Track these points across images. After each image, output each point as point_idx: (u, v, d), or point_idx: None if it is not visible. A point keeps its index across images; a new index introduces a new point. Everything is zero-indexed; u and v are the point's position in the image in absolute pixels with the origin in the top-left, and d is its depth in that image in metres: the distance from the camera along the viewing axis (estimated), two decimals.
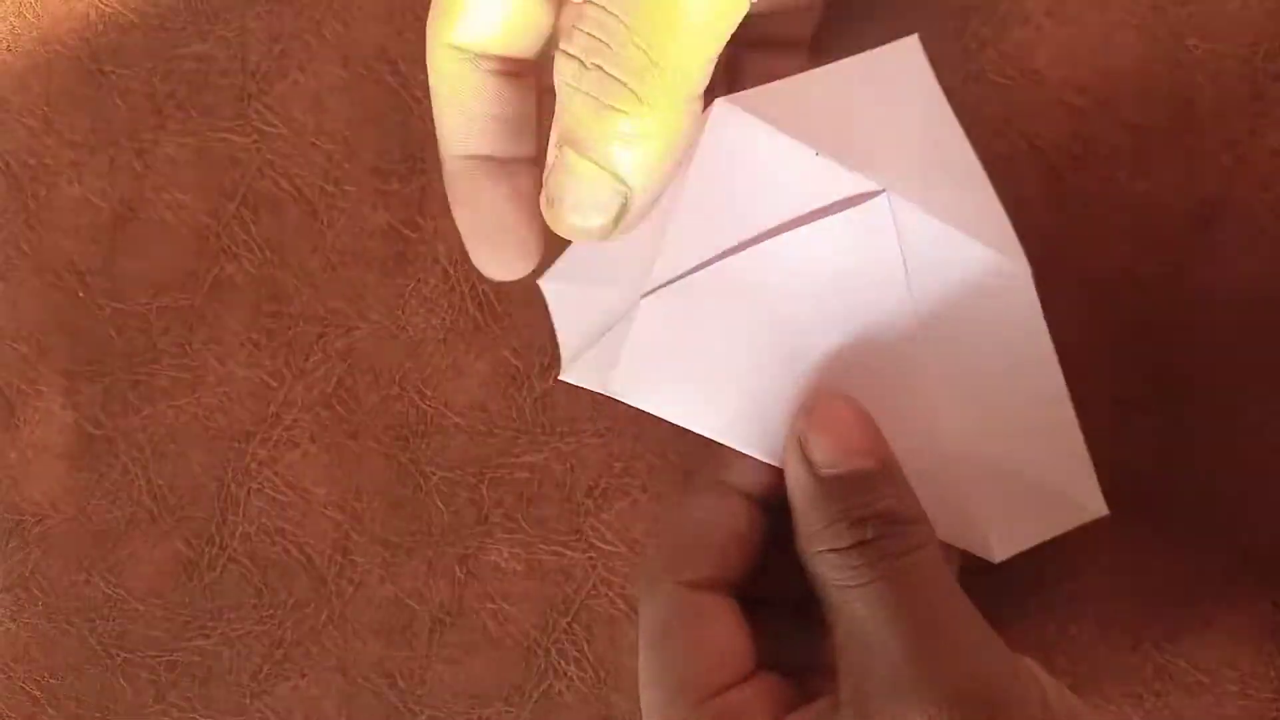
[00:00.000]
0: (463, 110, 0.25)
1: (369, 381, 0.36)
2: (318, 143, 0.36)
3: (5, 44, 0.37)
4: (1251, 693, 0.31)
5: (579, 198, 0.22)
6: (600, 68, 0.21)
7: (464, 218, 0.26)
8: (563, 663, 0.35)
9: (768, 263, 0.25)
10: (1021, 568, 0.28)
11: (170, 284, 0.36)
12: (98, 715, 0.38)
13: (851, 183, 0.25)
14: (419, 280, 0.35)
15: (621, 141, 0.22)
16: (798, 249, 0.25)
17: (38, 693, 0.38)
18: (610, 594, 0.35)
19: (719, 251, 0.26)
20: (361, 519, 0.36)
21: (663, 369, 0.26)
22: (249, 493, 0.36)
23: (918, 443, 0.26)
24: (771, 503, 0.28)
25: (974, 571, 0.28)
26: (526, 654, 0.35)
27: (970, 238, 0.26)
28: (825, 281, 0.26)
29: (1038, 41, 0.31)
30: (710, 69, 0.22)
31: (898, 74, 0.26)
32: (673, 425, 0.27)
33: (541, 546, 0.35)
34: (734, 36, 0.23)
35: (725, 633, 0.27)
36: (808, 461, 0.25)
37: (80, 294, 0.37)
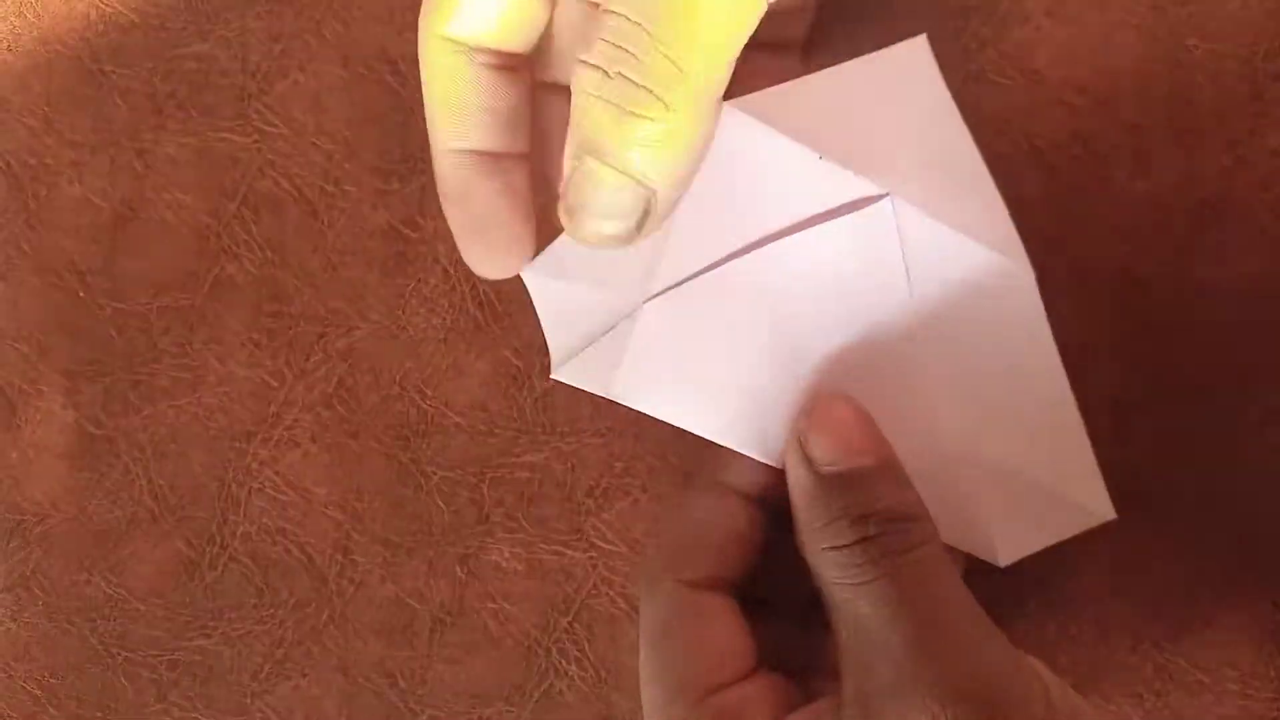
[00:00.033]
0: (455, 103, 0.25)
1: (369, 381, 0.36)
2: (318, 143, 0.36)
3: (5, 44, 0.37)
4: (1251, 693, 0.31)
5: (603, 205, 0.22)
6: (625, 76, 0.21)
7: (455, 214, 0.26)
8: (563, 662, 0.35)
9: (771, 266, 0.26)
10: (1021, 567, 0.28)
11: (170, 284, 0.37)
12: (98, 715, 0.38)
13: (855, 186, 0.25)
14: (419, 280, 0.35)
15: (647, 147, 0.22)
16: (801, 253, 0.25)
17: (38, 692, 0.38)
18: (611, 593, 0.35)
19: (722, 255, 0.26)
20: (362, 519, 0.36)
21: (665, 373, 0.26)
22: (250, 492, 0.36)
23: (921, 446, 0.26)
24: (770, 503, 0.28)
25: (974, 571, 0.28)
26: (527, 654, 0.35)
27: (973, 240, 0.26)
28: (828, 285, 0.26)
29: (1038, 41, 0.31)
30: (731, 70, 0.22)
31: (905, 75, 0.26)
32: (674, 425, 0.27)
33: (542, 546, 0.35)
34: None
35: (725, 631, 0.27)
36: (808, 460, 0.25)
37: (80, 294, 0.37)
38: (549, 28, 0.26)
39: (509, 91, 0.25)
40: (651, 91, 0.21)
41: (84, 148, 0.37)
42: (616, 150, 0.22)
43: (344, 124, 0.35)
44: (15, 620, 0.38)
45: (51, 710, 0.38)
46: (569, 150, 0.22)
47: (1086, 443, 0.27)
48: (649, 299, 0.26)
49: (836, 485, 0.25)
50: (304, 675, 0.36)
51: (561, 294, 0.27)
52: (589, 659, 0.35)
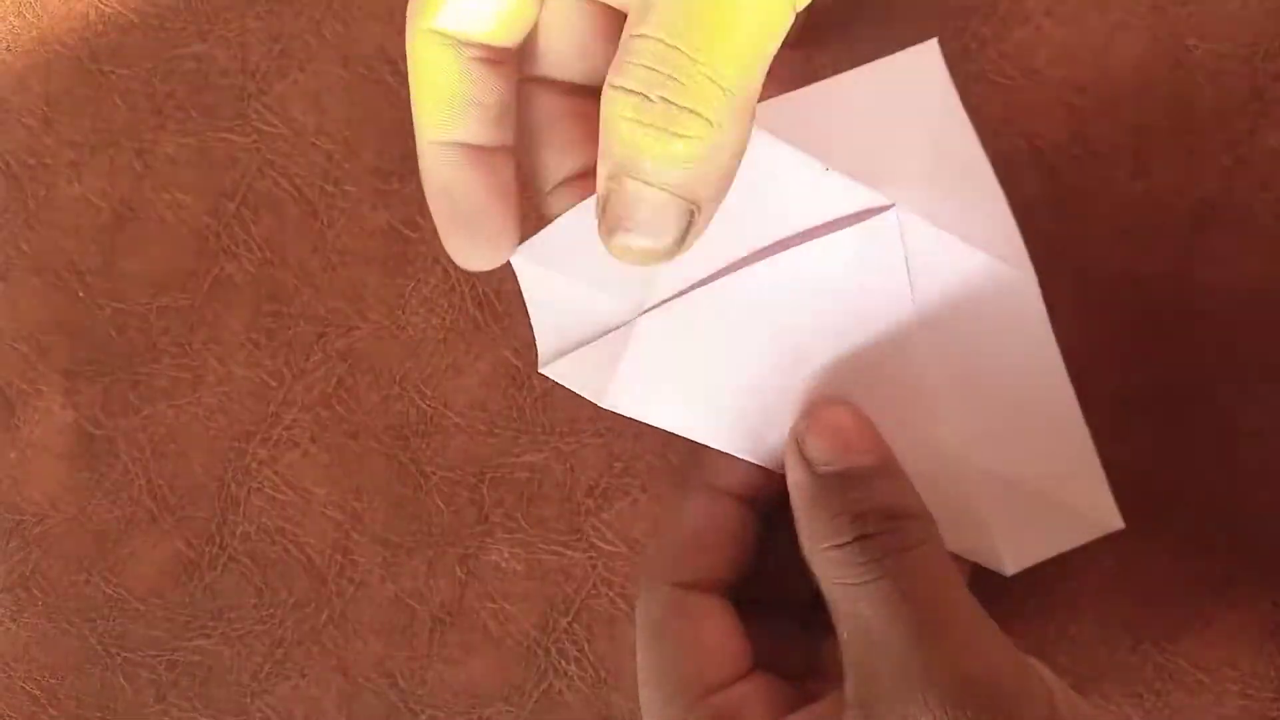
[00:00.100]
0: (442, 96, 0.24)
1: (369, 381, 0.36)
2: (318, 143, 0.36)
3: (5, 44, 0.37)
4: (1251, 693, 0.31)
5: (646, 224, 0.22)
6: (668, 100, 0.21)
7: (440, 206, 0.26)
8: (563, 662, 0.35)
9: (774, 278, 0.26)
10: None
11: (170, 284, 0.36)
12: (98, 715, 0.38)
13: (860, 197, 0.25)
14: (419, 280, 0.35)
15: (690, 164, 0.22)
16: (805, 264, 0.25)
17: (38, 692, 0.38)
18: (610, 594, 0.35)
19: (724, 265, 0.26)
20: (362, 519, 0.36)
21: (659, 383, 0.26)
22: (249, 492, 0.36)
23: (925, 454, 0.26)
24: (763, 505, 0.28)
25: (975, 571, 0.28)
26: (527, 654, 0.35)
27: (978, 250, 0.26)
28: (832, 295, 0.26)
29: (1038, 41, 0.31)
30: (764, 75, 0.22)
31: (915, 80, 0.26)
32: None
33: (541, 546, 0.35)
34: None
35: (719, 632, 0.27)
36: (807, 461, 0.25)
37: (80, 294, 0.37)
38: (536, 26, 0.25)
39: (496, 85, 0.25)
40: (696, 112, 0.21)
41: (83, 148, 0.37)
42: (658, 170, 0.21)
43: (344, 124, 0.35)
44: (14, 620, 0.38)
45: (51, 710, 0.38)
46: (604, 171, 0.22)
47: (1093, 452, 0.27)
48: (647, 310, 0.26)
49: (835, 484, 0.25)
50: (303, 675, 0.36)
51: (551, 284, 0.27)
52: (588, 659, 0.35)
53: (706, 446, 0.27)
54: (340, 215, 0.35)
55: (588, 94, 0.26)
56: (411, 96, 0.25)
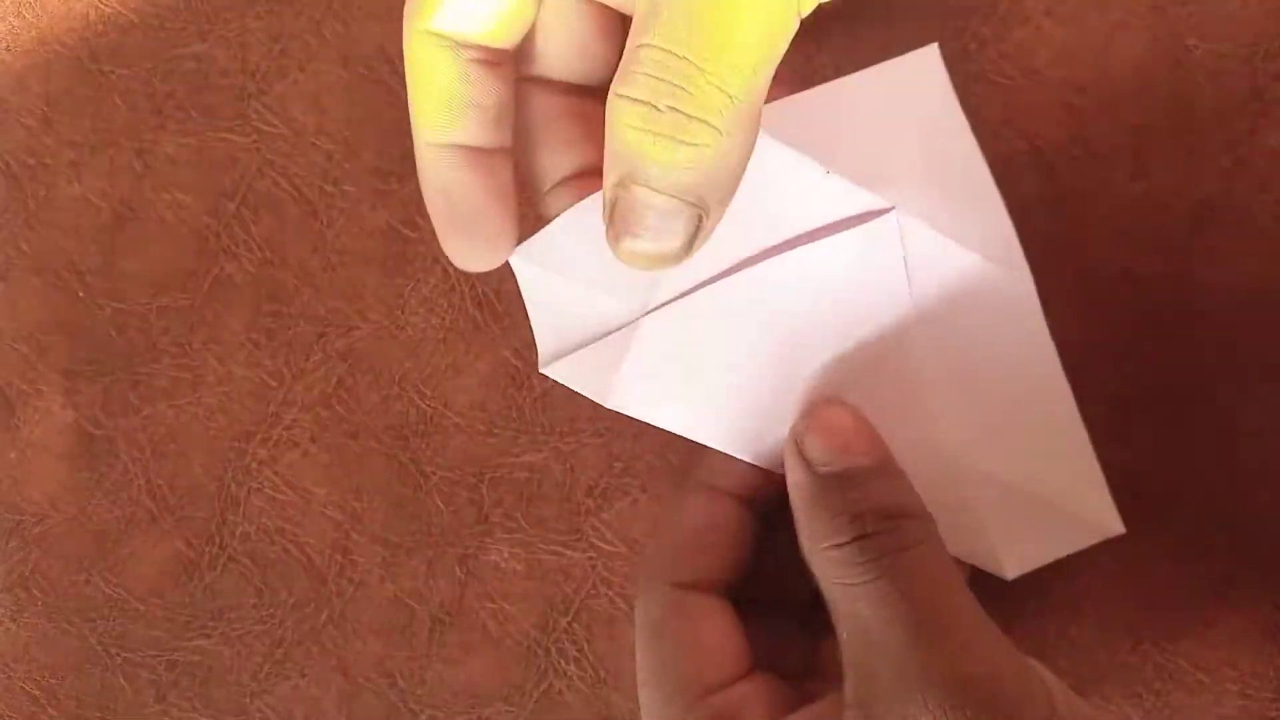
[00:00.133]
0: (441, 98, 0.24)
1: (369, 381, 0.36)
2: (318, 143, 0.36)
3: (5, 44, 0.37)
4: (1251, 693, 0.31)
5: (655, 228, 0.22)
6: (676, 109, 0.21)
7: (438, 207, 0.26)
8: (563, 662, 0.35)
9: (776, 279, 0.26)
10: None
11: (170, 284, 0.36)
12: (98, 715, 0.38)
13: (860, 200, 0.25)
14: (419, 280, 0.35)
15: (698, 170, 0.22)
16: (806, 266, 0.26)
17: (37, 692, 0.38)
18: (610, 594, 0.35)
19: (727, 266, 0.26)
20: (361, 519, 0.36)
21: (663, 383, 0.26)
22: (249, 492, 0.36)
23: (925, 458, 0.26)
24: (762, 505, 0.28)
25: (974, 573, 0.28)
26: (526, 654, 0.35)
27: (976, 253, 0.26)
28: (832, 297, 0.26)
29: (1038, 41, 0.31)
30: (769, 81, 0.22)
31: (914, 85, 0.26)
32: None
33: (541, 546, 0.35)
34: None
35: (718, 632, 0.27)
36: (806, 461, 0.25)
37: (80, 294, 0.37)
38: (534, 26, 0.25)
39: (494, 86, 0.25)
40: (704, 121, 0.21)
41: (83, 148, 0.37)
42: (666, 176, 0.22)
43: (344, 124, 0.35)
44: (14, 621, 0.38)
45: (50, 710, 0.38)
46: (610, 178, 0.22)
47: (1092, 456, 0.27)
48: (651, 311, 0.26)
49: (834, 484, 0.25)
50: (303, 675, 0.36)
51: (550, 285, 0.27)
52: (588, 659, 0.35)
53: (706, 446, 0.27)
54: (340, 215, 0.35)
55: (585, 93, 0.26)
56: (409, 98, 0.25)
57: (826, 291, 0.26)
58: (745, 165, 0.23)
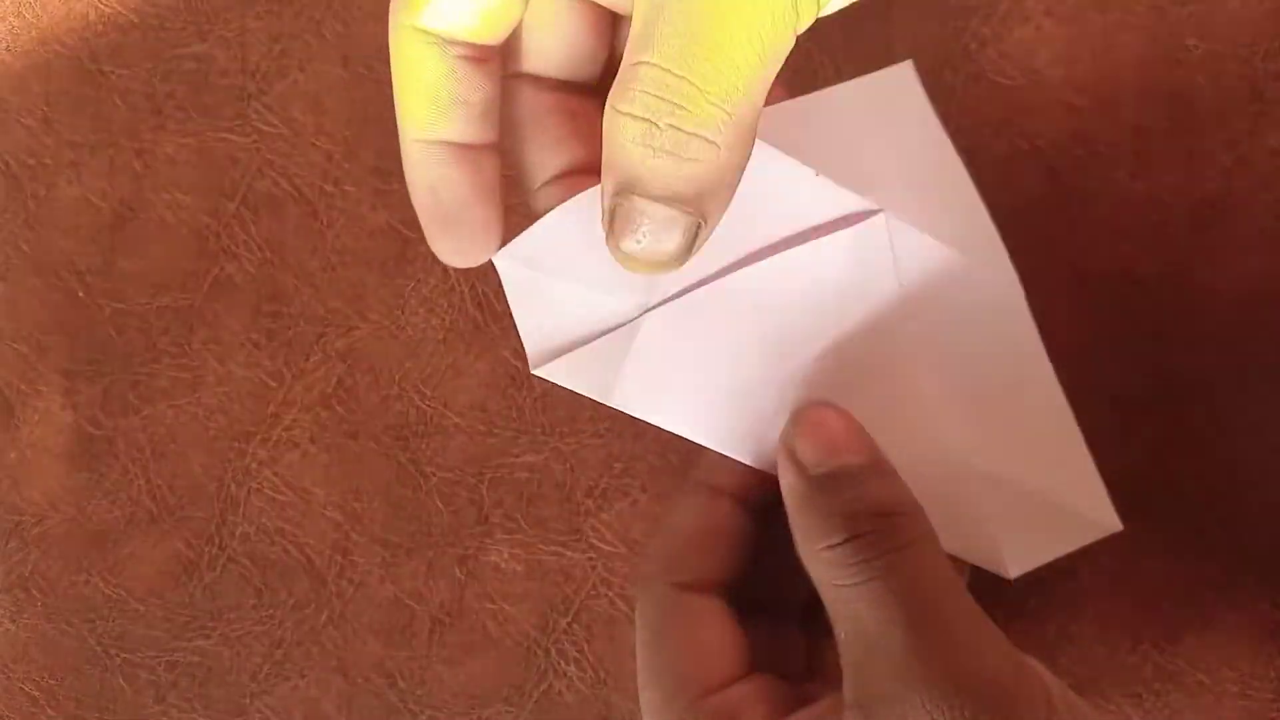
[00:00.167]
0: (427, 95, 0.24)
1: (369, 381, 0.36)
2: (318, 143, 0.36)
3: (5, 44, 0.37)
4: (1251, 693, 0.31)
5: (654, 235, 0.23)
6: (676, 128, 0.21)
7: (424, 203, 0.26)
8: (563, 663, 0.35)
9: (768, 279, 0.26)
10: None
11: (170, 284, 0.36)
12: (97, 715, 0.37)
13: (849, 202, 0.25)
14: (419, 280, 0.35)
15: (696, 182, 0.22)
16: (797, 266, 0.26)
17: (37, 693, 0.38)
18: (610, 594, 0.35)
19: (720, 268, 0.26)
20: (361, 519, 0.36)
21: (665, 382, 0.26)
22: (249, 493, 0.36)
23: (922, 458, 0.26)
24: (760, 504, 0.28)
25: (974, 572, 0.28)
26: (526, 654, 0.35)
27: (963, 255, 0.26)
28: (824, 297, 0.26)
29: (1038, 41, 0.31)
30: (766, 93, 0.23)
31: (893, 99, 0.26)
32: None
33: (541, 546, 0.35)
34: None
35: (716, 633, 0.27)
36: (798, 464, 0.25)
37: (80, 294, 0.37)
38: (520, 25, 0.26)
39: (481, 83, 0.25)
40: (703, 138, 0.21)
41: (83, 148, 0.37)
42: (665, 188, 0.22)
43: (344, 124, 0.35)
44: (14, 621, 0.38)
45: (50, 711, 0.38)
46: (609, 188, 0.22)
47: (1086, 454, 0.27)
48: (650, 309, 0.26)
49: (826, 485, 0.25)
50: (303, 676, 0.36)
51: (536, 284, 0.27)
52: (588, 660, 0.35)
53: (704, 446, 0.27)
54: (340, 215, 0.35)
55: (574, 90, 0.26)
56: (395, 95, 0.25)
57: (819, 292, 0.26)
58: (742, 173, 0.23)
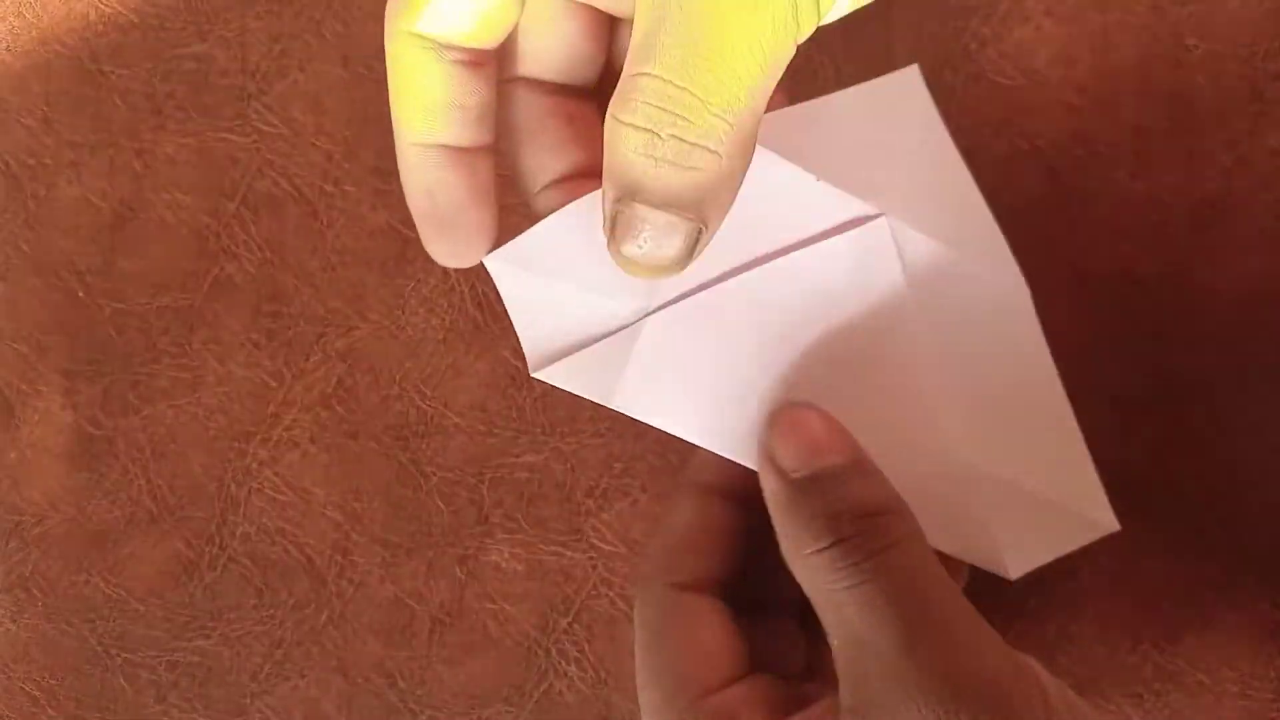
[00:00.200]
0: (424, 100, 0.24)
1: (369, 381, 0.36)
2: (318, 143, 0.36)
3: (5, 44, 0.37)
4: (1251, 693, 0.31)
5: (656, 241, 0.23)
6: (679, 138, 0.21)
7: (420, 206, 0.26)
8: (563, 663, 0.35)
9: (770, 283, 0.26)
10: None
11: (170, 284, 0.36)
12: (98, 715, 0.38)
13: (851, 206, 0.26)
14: (419, 280, 0.35)
15: (698, 190, 0.22)
16: (799, 270, 0.26)
17: (37, 693, 0.38)
18: (610, 594, 0.35)
19: (723, 271, 0.26)
20: (361, 519, 0.36)
21: (667, 385, 0.26)
22: (249, 493, 0.36)
23: (923, 459, 0.26)
24: (757, 505, 0.28)
25: (974, 572, 0.28)
26: (526, 654, 0.35)
27: (969, 258, 0.26)
28: (826, 301, 0.26)
29: (1038, 41, 0.31)
30: (766, 102, 0.23)
31: (898, 103, 0.26)
32: None
33: (541, 546, 0.35)
34: None
35: (714, 633, 0.27)
36: (777, 469, 0.25)
37: (80, 294, 0.37)
38: (516, 28, 0.26)
39: (478, 87, 0.25)
40: (705, 147, 0.21)
41: (83, 148, 0.37)
42: (667, 195, 0.22)
43: (344, 124, 0.35)
44: (14, 621, 0.38)
45: (50, 711, 0.38)
46: (610, 194, 0.23)
47: (1086, 455, 0.27)
48: (651, 312, 0.26)
49: (809, 488, 0.25)
50: (303, 676, 0.36)
51: (535, 288, 0.27)
52: (588, 660, 0.35)
53: (700, 447, 0.27)
54: (340, 215, 0.35)
55: (570, 93, 0.26)
56: (391, 99, 0.25)
57: (821, 295, 0.26)
58: (743, 179, 0.23)
